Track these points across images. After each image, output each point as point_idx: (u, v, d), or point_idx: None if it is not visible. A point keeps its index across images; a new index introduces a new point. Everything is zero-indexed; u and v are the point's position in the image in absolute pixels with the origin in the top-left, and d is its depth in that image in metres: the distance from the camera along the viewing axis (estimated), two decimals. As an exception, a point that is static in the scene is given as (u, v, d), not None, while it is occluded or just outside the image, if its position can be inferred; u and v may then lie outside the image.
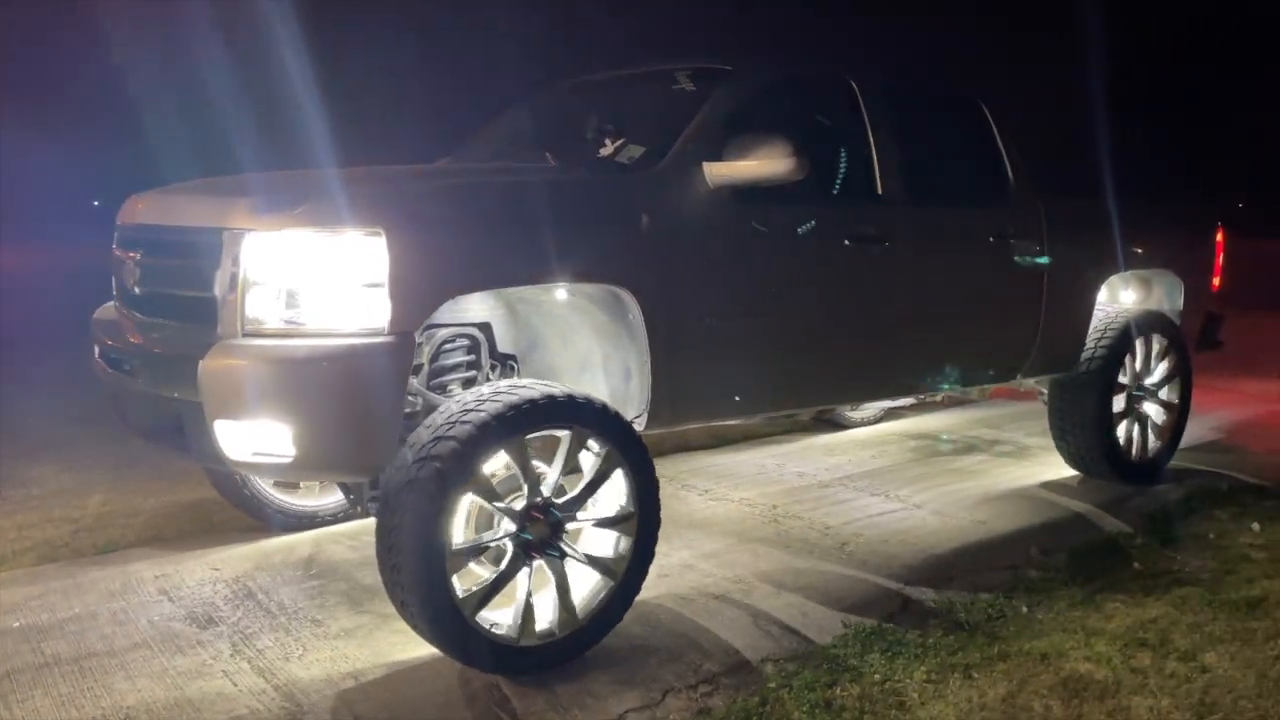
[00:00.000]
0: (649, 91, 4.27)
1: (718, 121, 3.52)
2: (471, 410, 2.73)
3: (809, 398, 4.09)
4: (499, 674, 2.87)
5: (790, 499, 4.69)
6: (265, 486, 4.01)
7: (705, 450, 5.63)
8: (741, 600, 3.40)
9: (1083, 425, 4.84)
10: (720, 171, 3.36)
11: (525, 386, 2.86)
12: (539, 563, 2.88)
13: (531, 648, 2.86)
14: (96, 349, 3.41)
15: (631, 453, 3.00)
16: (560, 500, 2.92)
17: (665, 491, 3.29)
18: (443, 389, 3.10)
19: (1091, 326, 4.86)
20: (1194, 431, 5.56)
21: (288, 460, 2.71)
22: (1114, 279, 5.03)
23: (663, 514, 3.15)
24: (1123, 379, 4.92)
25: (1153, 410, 5.12)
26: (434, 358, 3.10)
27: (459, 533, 2.81)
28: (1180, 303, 5.35)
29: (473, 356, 3.18)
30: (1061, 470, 5.14)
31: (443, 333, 3.11)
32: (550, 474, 2.91)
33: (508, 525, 2.84)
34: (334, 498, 4.20)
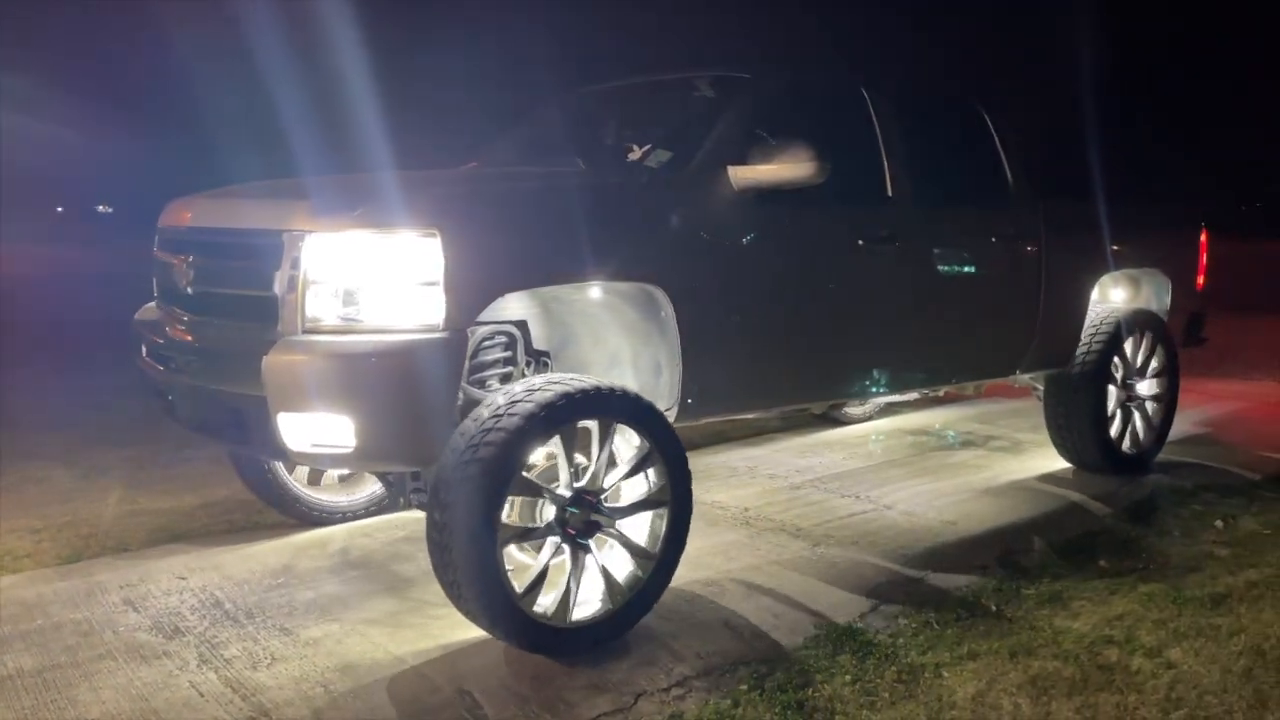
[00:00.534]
0: (670, 98, 4.53)
1: (740, 127, 3.74)
2: (521, 401, 2.89)
3: (825, 391, 4.31)
4: (547, 654, 3.01)
5: (762, 500, 4.73)
6: (294, 481, 4.20)
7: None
8: (713, 602, 3.42)
9: (1079, 420, 5.06)
10: (745, 175, 3.56)
11: (572, 379, 3.03)
12: (580, 548, 3.04)
13: (576, 629, 3.03)
14: (144, 347, 3.59)
15: (666, 444, 3.17)
16: (599, 489, 3.09)
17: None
18: (481, 384, 3.22)
19: (1086, 324, 5.08)
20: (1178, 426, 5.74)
21: (348, 450, 2.89)
22: (1105, 278, 5.25)
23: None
24: (1116, 374, 5.13)
25: (1143, 405, 5.31)
26: (474, 354, 3.21)
27: (505, 519, 2.94)
28: (1168, 301, 5.58)
29: (509, 353, 3.31)
30: (1052, 464, 5.30)
31: (482, 330, 3.21)
32: (590, 464, 3.08)
33: (552, 512, 3.01)
34: (358, 494, 4.39)
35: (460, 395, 3.06)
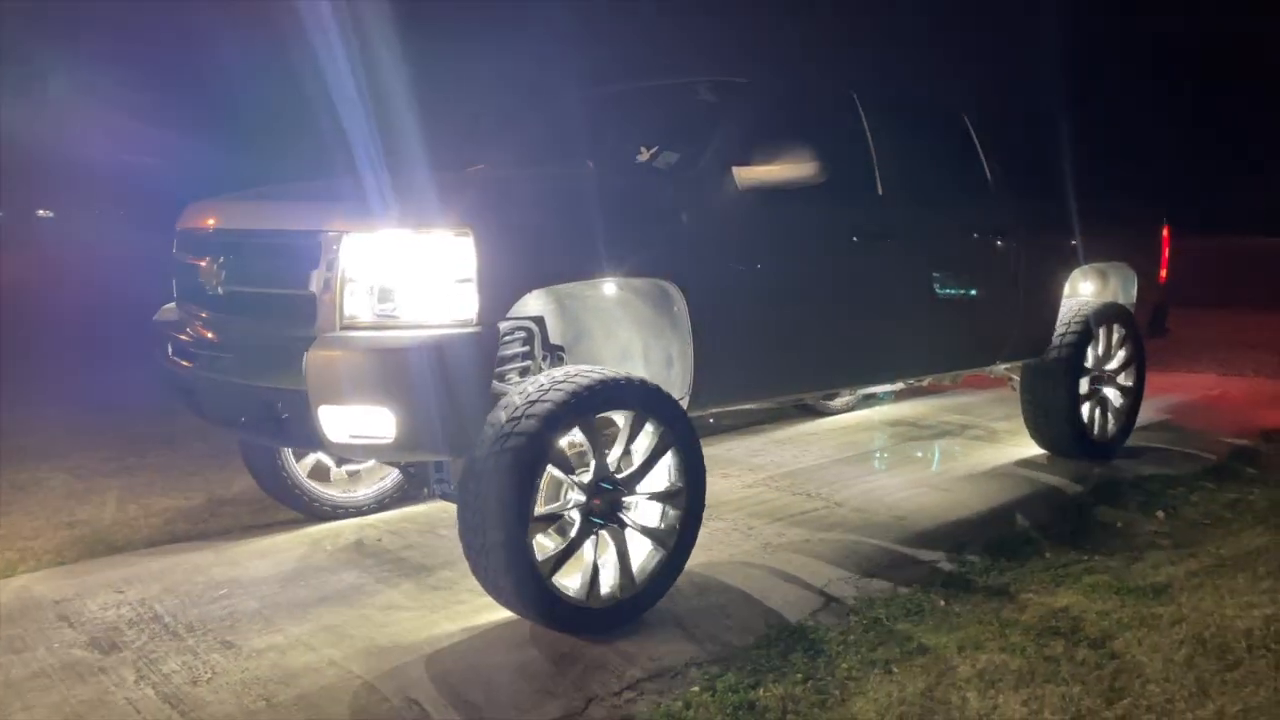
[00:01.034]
0: (673, 102, 4.78)
1: (742, 129, 3.95)
2: (550, 391, 3.06)
3: (824, 380, 4.61)
4: (574, 634, 3.17)
5: (713, 499, 4.69)
6: (303, 476, 4.31)
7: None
8: (664, 604, 3.42)
9: (1054, 408, 5.35)
10: (749, 175, 3.76)
11: (596, 371, 3.22)
12: (602, 532, 3.23)
13: (599, 609, 3.22)
14: (169, 346, 3.72)
15: (682, 433, 3.36)
16: (620, 475, 3.28)
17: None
18: (501, 378, 3.33)
19: (1060, 315, 5.34)
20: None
21: (387, 441, 3.02)
22: (1076, 272, 5.51)
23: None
24: (1087, 364, 5.39)
25: (1112, 394, 5.57)
26: None
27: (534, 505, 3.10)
28: (1134, 294, 5.87)
29: (528, 348, 3.45)
30: (1025, 451, 5.55)
31: (503, 325, 3.30)
32: (611, 452, 3.26)
33: (577, 497, 3.19)
34: (364, 490, 4.52)
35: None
